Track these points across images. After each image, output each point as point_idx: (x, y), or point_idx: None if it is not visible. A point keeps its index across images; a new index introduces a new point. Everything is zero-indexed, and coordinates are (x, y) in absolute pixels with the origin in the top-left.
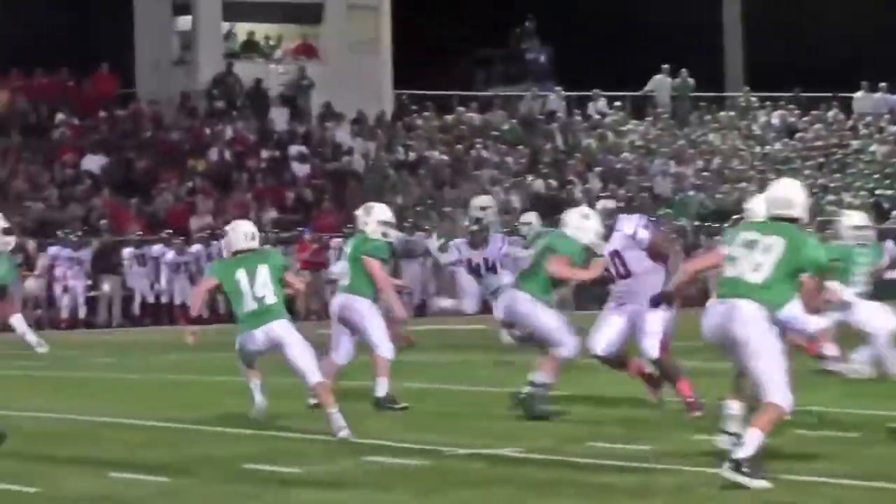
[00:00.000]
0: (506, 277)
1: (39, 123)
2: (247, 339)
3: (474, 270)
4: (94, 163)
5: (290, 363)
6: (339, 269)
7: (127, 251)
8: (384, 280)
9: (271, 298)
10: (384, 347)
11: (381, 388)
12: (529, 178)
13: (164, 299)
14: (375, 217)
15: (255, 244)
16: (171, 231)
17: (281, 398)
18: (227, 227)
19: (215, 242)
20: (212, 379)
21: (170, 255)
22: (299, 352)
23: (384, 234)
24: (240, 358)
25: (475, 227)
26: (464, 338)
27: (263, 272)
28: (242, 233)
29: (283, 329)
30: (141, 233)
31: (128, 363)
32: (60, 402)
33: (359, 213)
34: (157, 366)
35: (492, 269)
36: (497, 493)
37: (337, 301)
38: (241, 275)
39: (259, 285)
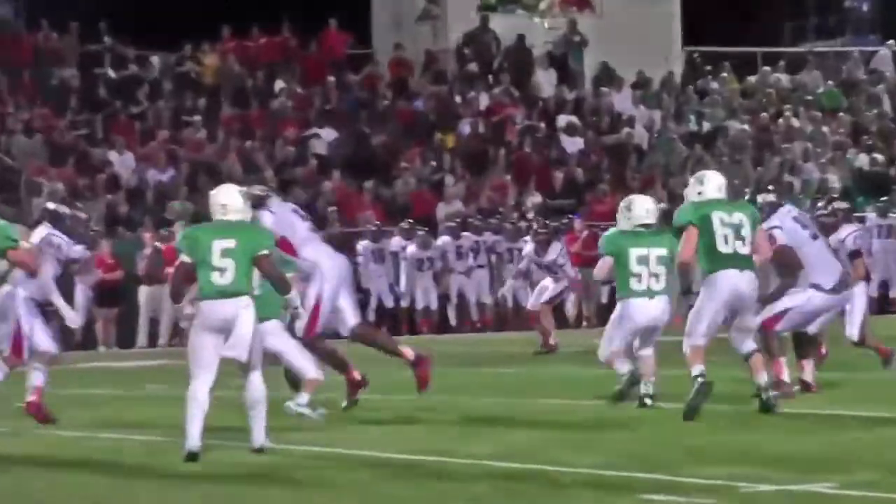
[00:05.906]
0: None
1: (256, 92)
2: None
3: None
4: (321, 139)
5: None
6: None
7: (361, 245)
8: None
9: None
10: None
11: None
12: (851, 151)
13: (404, 303)
14: (637, 213)
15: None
16: (412, 220)
17: None
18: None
19: (466, 234)
20: None
21: (411, 249)
22: None
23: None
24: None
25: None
26: None
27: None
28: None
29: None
30: (378, 223)
31: None
32: None
33: (621, 205)
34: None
35: None
36: None
37: None
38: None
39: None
